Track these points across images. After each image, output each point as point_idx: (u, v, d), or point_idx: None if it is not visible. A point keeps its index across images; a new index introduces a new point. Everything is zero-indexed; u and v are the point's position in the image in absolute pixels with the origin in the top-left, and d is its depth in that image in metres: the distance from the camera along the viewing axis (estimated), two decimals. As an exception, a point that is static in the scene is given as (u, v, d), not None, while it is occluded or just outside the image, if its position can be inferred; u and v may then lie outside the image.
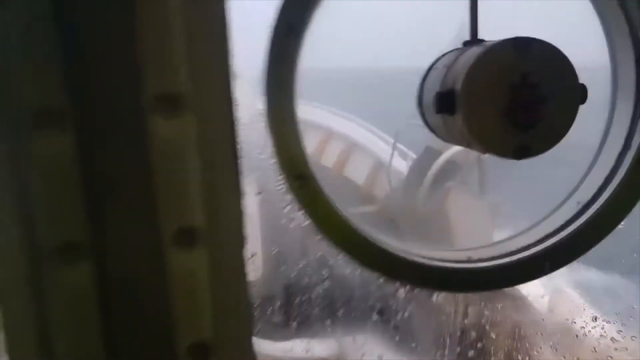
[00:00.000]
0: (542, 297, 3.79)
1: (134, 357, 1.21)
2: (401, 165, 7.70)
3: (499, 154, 1.02)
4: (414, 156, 8.42)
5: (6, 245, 1.04)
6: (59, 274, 1.06)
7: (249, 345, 1.28)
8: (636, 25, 1.21)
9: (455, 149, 7.43)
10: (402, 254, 1.25)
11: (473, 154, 6.50)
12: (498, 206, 6.17)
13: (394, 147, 7.47)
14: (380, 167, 7.64)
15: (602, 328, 3.40)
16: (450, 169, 6.66)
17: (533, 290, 3.80)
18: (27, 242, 1.04)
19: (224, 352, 1.26)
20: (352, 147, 7.84)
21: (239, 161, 1.14)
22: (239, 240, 1.19)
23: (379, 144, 8.14)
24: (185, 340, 1.21)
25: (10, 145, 1.01)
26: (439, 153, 7.35)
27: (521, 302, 3.61)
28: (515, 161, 1.14)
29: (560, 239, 1.22)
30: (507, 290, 3.44)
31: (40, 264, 1.06)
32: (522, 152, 0.99)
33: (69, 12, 0.96)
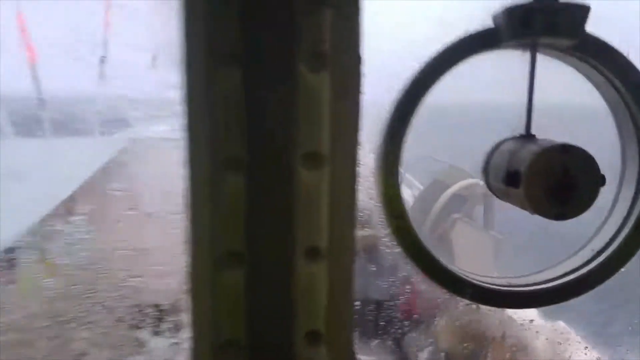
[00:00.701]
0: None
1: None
2: (406, 194, 8.19)
3: (544, 217, 1.49)
4: (420, 186, 8.92)
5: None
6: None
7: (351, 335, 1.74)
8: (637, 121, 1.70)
9: (462, 183, 7.95)
10: (465, 276, 1.72)
11: (480, 190, 7.02)
12: (499, 242, 6.65)
13: (402, 177, 7.94)
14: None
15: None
16: (456, 202, 7.15)
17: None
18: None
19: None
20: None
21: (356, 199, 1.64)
22: (352, 258, 1.67)
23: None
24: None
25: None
26: (446, 186, 7.84)
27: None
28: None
29: (577, 277, 1.68)
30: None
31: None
32: (560, 217, 1.47)
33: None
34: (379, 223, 1.77)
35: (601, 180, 1.42)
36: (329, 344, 1.70)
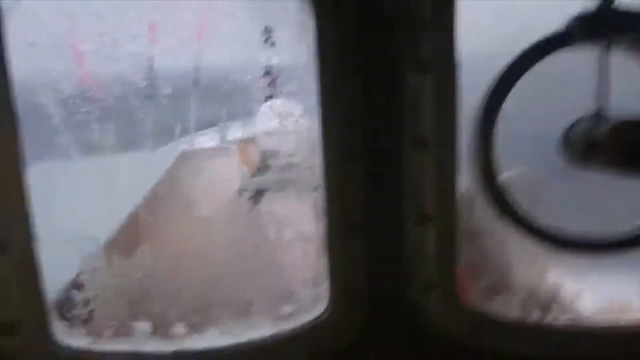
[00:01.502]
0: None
1: None
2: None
3: (627, 173, 1.88)
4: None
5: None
6: None
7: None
8: None
9: (508, 174, 8.14)
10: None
11: (527, 178, 7.18)
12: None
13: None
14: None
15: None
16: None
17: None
18: None
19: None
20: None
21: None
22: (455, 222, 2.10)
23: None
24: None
25: None
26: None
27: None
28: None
29: None
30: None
31: None
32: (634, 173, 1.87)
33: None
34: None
35: None
36: (439, 291, 2.12)
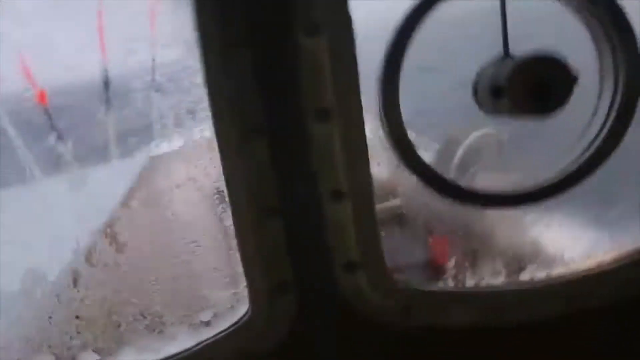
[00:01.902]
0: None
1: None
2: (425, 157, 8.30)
3: (530, 117, 1.70)
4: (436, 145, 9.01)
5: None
6: None
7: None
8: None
9: (475, 135, 8.07)
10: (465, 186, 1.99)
11: (493, 138, 7.11)
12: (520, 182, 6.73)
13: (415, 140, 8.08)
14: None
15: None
16: (472, 155, 7.29)
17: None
18: None
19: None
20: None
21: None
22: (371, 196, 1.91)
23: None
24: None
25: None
26: (458, 142, 7.96)
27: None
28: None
29: (570, 171, 1.92)
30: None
31: None
32: (542, 112, 1.68)
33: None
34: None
35: (574, 78, 1.64)
36: (366, 270, 1.95)
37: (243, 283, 1.95)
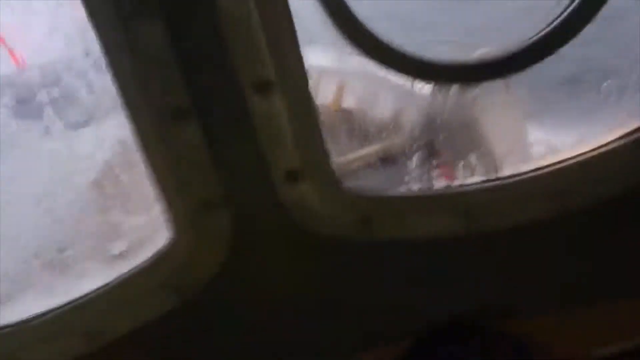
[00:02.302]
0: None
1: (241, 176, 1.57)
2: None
3: None
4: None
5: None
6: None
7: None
8: None
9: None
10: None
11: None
12: (524, 100, 6.28)
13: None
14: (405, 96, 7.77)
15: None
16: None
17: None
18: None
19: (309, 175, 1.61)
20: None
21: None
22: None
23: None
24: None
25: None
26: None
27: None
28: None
29: (539, 39, 1.54)
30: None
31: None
32: None
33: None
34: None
35: None
36: (310, 179, 1.59)
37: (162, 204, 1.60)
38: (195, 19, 1.37)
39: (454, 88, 1.90)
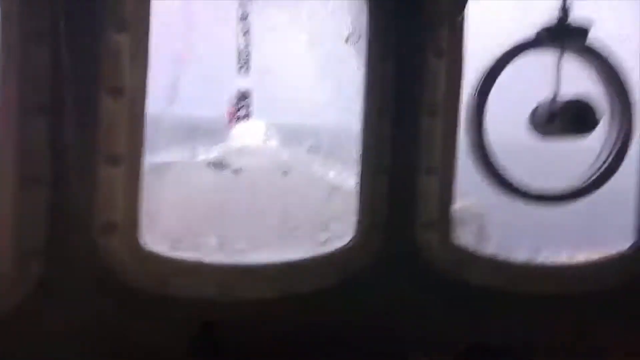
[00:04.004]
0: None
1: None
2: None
3: (575, 134, 2.66)
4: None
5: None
6: None
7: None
8: None
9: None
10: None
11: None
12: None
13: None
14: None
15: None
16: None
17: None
18: None
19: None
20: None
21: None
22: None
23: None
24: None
25: None
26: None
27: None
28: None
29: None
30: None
31: None
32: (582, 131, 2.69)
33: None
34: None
35: (600, 115, 2.64)
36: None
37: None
38: None
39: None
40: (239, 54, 3.12)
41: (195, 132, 3.29)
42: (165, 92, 2.76)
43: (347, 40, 2.68)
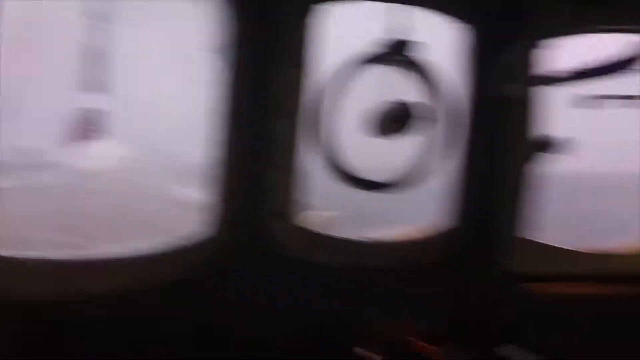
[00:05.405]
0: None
1: None
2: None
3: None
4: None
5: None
6: None
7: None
8: None
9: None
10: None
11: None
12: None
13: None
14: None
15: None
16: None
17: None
18: None
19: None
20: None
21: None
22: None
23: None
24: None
25: None
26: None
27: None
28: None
29: None
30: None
31: None
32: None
33: None
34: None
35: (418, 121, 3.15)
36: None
37: None
38: None
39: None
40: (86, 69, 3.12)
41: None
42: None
43: (205, 48, 2.83)
